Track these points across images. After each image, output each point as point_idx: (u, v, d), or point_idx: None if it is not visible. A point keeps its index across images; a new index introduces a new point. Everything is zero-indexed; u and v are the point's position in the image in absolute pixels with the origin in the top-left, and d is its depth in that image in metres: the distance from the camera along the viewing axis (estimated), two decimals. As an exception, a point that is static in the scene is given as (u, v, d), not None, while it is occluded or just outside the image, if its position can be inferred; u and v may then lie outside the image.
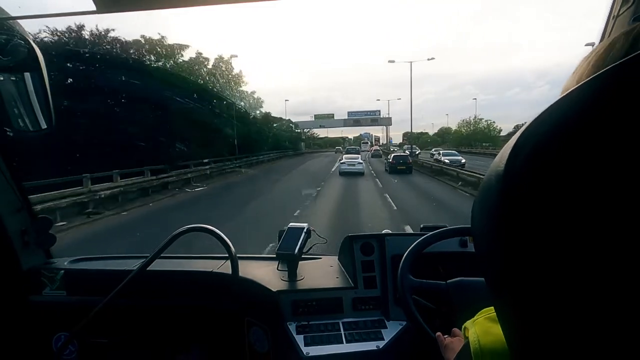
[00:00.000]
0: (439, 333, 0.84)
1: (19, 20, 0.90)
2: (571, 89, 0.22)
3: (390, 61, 40.45)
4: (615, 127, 0.19)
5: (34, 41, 0.89)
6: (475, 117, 62.68)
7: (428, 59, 46.77)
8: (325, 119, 68.58)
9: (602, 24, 0.78)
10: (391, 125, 65.76)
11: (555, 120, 0.22)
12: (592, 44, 0.81)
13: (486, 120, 61.02)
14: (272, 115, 43.63)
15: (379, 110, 67.98)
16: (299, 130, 60.36)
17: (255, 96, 36.78)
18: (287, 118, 53.23)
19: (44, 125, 0.97)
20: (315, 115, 71.84)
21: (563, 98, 0.22)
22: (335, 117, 69.51)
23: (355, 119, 67.25)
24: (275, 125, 42.61)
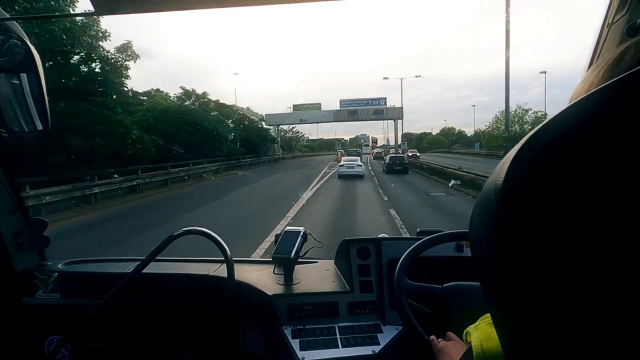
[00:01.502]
0: (432, 337, 0.84)
1: (16, 21, 0.90)
2: (577, 99, 0.21)
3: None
4: (622, 140, 0.19)
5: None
6: (520, 107, 37.00)
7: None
8: (307, 111, 48.67)
9: (597, 31, 0.78)
10: (402, 118, 45.20)
11: (555, 134, 0.22)
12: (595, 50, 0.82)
13: (534, 112, 36.45)
14: (209, 97, 26.02)
15: (385, 98, 47.59)
16: (269, 128, 42.12)
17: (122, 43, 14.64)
18: (245, 107, 34.82)
19: (39, 127, 0.96)
20: (294, 105, 49.36)
21: (563, 111, 0.22)
22: (323, 108, 48.98)
23: (352, 109, 47.52)
24: (214, 113, 24.96)
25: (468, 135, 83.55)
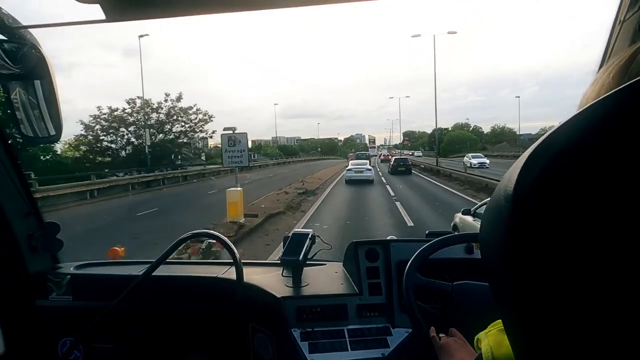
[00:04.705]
0: (433, 334, 0.83)
1: (30, 29, 0.92)
2: (587, 105, 0.21)
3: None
4: (633, 148, 0.19)
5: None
6: None
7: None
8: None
9: (608, 29, 0.77)
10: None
11: (566, 141, 0.21)
12: (609, 50, 0.80)
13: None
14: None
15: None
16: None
17: None
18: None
19: (52, 132, 0.99)
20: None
21: (574, 117, 0.21)
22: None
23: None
24: None
25: (485, 132, 75.95)
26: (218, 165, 23.72)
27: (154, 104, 26.83)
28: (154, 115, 27.04)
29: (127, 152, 25.80)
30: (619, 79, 0.30)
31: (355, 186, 15.40)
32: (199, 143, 33.33)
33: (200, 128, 28.82)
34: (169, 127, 27.64)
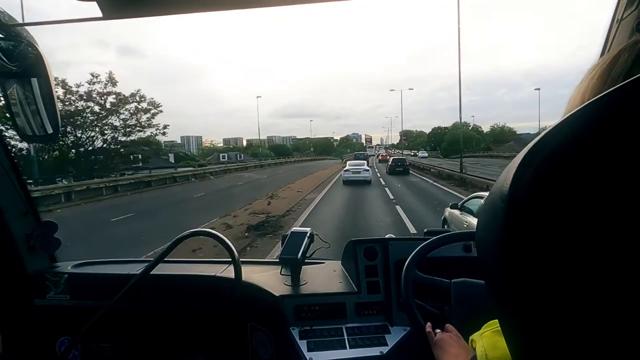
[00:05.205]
0: (429, 330, 0.83)
1: (26, 27, 0.91)
2: (574, 111, 0.22)
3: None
4: (620, 149, 0.19)
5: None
6: None
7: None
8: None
9: (606, 27, 0.77)
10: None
11: (558, 143, 0.22)
12: (606, 49, 0.81)
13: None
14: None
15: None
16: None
17: None
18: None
19: (50, 130, 0.98)
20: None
21: (567, 119, 0.22)
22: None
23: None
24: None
25: (485, 132, 74.18)
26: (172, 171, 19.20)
27: (71, 87, 18.61)
28: (80, 104, 19.15)
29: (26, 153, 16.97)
30: (602, 81, 0.30)
31: (348, 206, 10.58)
32: (141, 146, 23.24)
33: (149, 122, 21.08)
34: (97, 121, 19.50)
